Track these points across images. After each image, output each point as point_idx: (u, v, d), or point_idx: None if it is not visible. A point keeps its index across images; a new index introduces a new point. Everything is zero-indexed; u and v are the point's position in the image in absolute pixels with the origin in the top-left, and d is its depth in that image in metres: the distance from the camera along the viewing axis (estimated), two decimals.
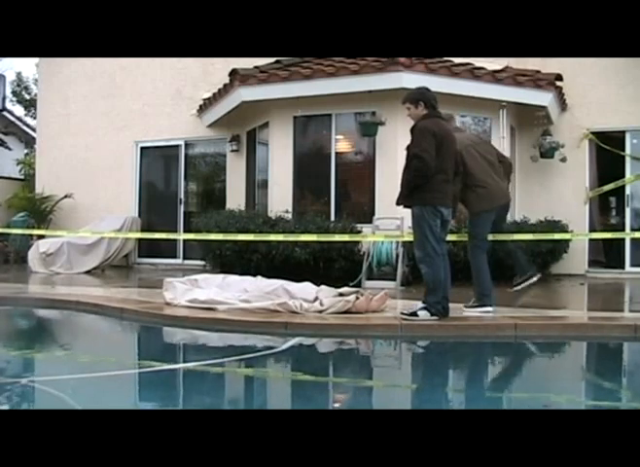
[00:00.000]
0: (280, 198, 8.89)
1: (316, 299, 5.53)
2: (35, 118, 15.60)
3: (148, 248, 11.46)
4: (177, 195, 11.51)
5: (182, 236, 10.67)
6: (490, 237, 5.68)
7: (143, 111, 11.60)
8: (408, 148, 5.14)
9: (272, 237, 7.39)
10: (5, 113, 16.83)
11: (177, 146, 11.49)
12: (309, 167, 9.12)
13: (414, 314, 5.04)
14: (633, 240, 9.30)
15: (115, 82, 11.88)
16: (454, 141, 5.27)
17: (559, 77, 8.92)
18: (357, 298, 5.44)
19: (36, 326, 6.50)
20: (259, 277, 6.15)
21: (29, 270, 9.92)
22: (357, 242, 8.03)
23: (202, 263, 10.00)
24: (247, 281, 6.05)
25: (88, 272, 9.93)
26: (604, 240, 9.69)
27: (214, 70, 10.60)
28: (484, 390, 3.88)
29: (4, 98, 16.19)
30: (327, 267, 7.89)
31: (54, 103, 12.43)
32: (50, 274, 9.56)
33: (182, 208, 11.46)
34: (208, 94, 10.24)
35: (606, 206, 10.57)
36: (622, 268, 9.58)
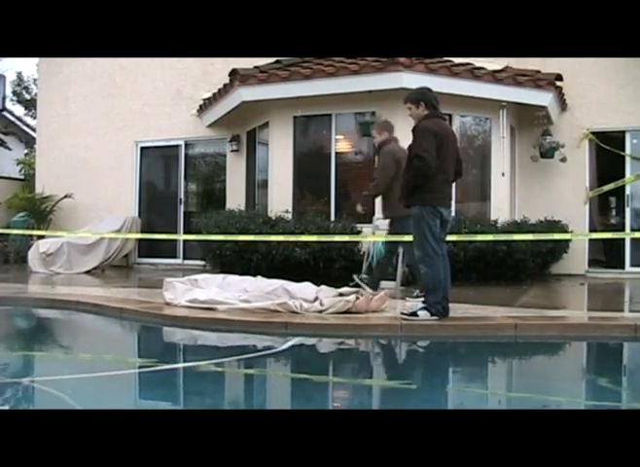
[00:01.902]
0: (280, 198, 8.88)
1: (316, 299, 5.53)
2: (35, 118, 15.60)
3: (148, 248, 11.46)
4: (177, 195, 11.50)
5: (182, 237, 10.66)
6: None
7: (143, 111, 11.60)
8: (410, 148, 5.15)
9: (272, 238, 7.39)
10: (5, 113, 16.82)
11: (177, 146, 11.48)
12: (309, 167, 9.12)
13: (414, 314, 5.04)
14: (633, 240, 9.28)
15: (115, 82, 11.87)
16: (455, 141, 5.30)
17: (559, 77, 8.92)
18: (357, 298, 5.44)
19: (36, 326, 6.50)
20: (259, 277, 6.14)
21: (29, 270, 9.92)
22: (357, 242, 8.02)
23: (202, 263, 9.99)
24: (247, 281, 6.05)
25: (88, 272, 9.92)
26: (604, 240, 9.68)
27: (214, 70, 10.59)
28: (484, 390, 3.88)
29: (4, 98, 16.20)
30: (327, 267, 7.89)
31: (54, 103, 12.42)
32: (50, 274, 9.56)
33: (182, 208, 11.46)
34: (208, 94, 10.23)
35: (606, 206, 10.56)
36: (622, 268, 9.57)
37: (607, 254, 10.11)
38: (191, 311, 5.54)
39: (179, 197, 11.47)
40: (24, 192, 12.68)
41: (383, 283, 7.38)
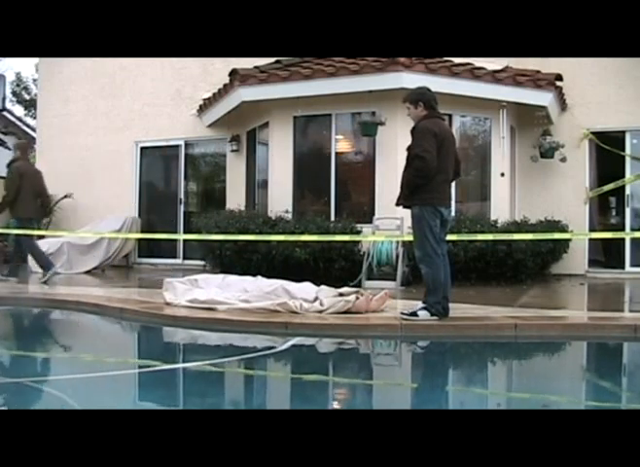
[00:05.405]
0: (280, 198, 8.88)
1: (316, 299, 5.53)
2: (35, 118, 15.59)
3: (148, 248, 11.46)
4: (177, 195, 11.50)
5: (182, 237, 10.66)
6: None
7: (143, 111, 11.60)
8: (409, 148, 5.15)
9: (272, 238, 7.39)
10: (5, 113, 16.80)
11: (177, 146, 11.47)
12: (309, 167, 9.12)
13: (414, 314, 5.04)
14: (633, 240, 9.28)
15: (115, 82, 11.87)
16: (454, 141, 5.31)
17: (559, 77, 8.92)
18: (357, 298, 5.44)
19: (36, 326, 6.49)
20: (259, 277, 6.15)
21: (29, 270, 9.91)
22: (357, 242, 8.03)
23: (202, 263, 9.99)
24: (247, 281, 6.05)
25: (88, 272, 9.92)
26: (604, 240, 9.68)
27: (214, 70, 10.59)
28: (484, 390, 3.88)
29: (4, 98, 16.14)
30: (327, 267, 7.89)
31: (54, 103, 12.42)
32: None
33: (182, 208, 11.45)
34: (208, 94, 10.23)
35: (606, 206, 10.55)
36: (622, 268, 9.57)
37: (607, 254, 10.11)
38: (191, 311, 5.54)
39: (179, 197, 11.46)
40: None
41: (383, 283, 7.39)
